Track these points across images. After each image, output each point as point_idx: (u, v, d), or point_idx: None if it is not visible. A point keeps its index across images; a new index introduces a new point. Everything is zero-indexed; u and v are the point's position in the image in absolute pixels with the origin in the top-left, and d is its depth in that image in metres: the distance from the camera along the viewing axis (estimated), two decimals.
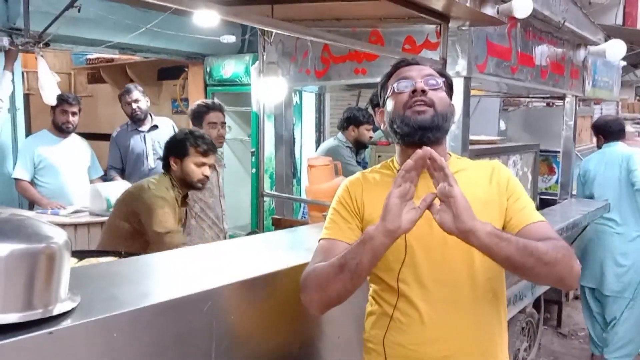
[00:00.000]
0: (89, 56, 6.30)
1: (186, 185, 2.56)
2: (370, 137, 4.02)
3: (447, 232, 1.16)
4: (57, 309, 1.14)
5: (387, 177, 1.44)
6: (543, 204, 3.73)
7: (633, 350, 3.82)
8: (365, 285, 1.49)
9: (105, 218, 3.44)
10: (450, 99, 1.44)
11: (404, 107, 1.36)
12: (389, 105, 1.42)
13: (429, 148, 1.15)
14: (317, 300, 1.31)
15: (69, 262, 1.20)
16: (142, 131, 4.26)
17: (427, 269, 1.32)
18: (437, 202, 1.18)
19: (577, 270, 1.27)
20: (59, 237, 1.17)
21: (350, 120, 3.98)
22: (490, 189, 1.38)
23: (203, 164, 2.53)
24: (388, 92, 1.43)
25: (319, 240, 1.42)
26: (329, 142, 4.16)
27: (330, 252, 1.33)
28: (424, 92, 1.35)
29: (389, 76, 1.47)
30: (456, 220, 1.13)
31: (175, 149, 2.54)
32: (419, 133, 1.34)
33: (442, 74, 1.46)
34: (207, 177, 2.56)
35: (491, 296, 1.37)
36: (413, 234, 1.27)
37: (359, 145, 4.01)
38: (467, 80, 2.48)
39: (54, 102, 3.59)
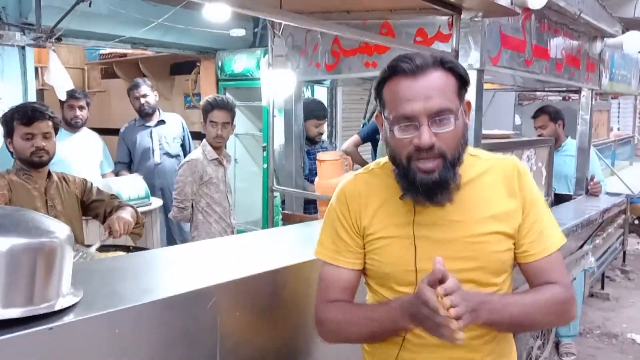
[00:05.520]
0: (102, 51, 6.32)
1: (26, 163, 2.28)
2: (320, 134, 3.76)
3: None
4: (59, 304, 1.13)
5: (387, 183, 1.28)
6: (557, 199, 3.67)
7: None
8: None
9: None
10: (463, 96, 1.21)
11: (408, 159, 1.16)
12: (388, 135, 1.20)
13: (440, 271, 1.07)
14: (338, 342, 1.32)
15: (71, 257, 1.19)
16: (149, 126, 4.27)
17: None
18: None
19: (571, 317, 1.26)
20: (61, 231, 1.16)
21: None
22: (510, 202, 1.24)
23: (31, 135, 2.24)
24: (385, 109, 1.20)
25: (319, 258, 1.33)
26: None
27: (336, 284, 1.29)
28: (431, 147, 1.13)
29: (383, 81, 1.21)
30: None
31: (5, 129, 2.29)
32: (425, 199, 1.18)
33: (452, 69, 1.18)
34: (40, 149, 2.25)
35: None
36: (422, 258, 1.22)
37: (307, 139, 3.71)
38: (480, 72, 2.43)
39: (64, 97, 3.60)
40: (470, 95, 2.40)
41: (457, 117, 1.15)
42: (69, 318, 1.12)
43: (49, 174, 2.39)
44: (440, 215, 1.23)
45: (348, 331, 1.25)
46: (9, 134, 2.28)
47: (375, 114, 1.31)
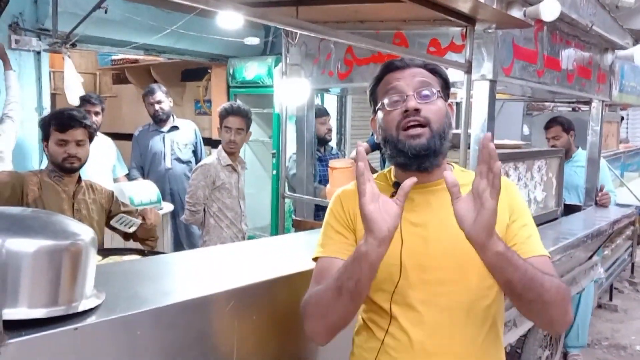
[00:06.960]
0: (114, 57, 6.38)
1: (58, 167, 2.36)
2: (329, 130, 3.95)
3: (459, 225, 1.08)
4: (82, 306, 1.15)
5: (381, 188, 1.29)
6: (567, 210, 3.66)
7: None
8: None
9: None
10: (447, 98, 1.33)
11: (397, 129, 1.26)
12: (380, 119, 1.32)
13: (488, 137, 1.04)
14: (321, 328, 1.23)
15: (95, 260, 1.22)
16: (162, 131, 4.31)
17: (421, 291, 1.24)
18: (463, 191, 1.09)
19: (569, 317, 1.21)
20: (86, 234, 1.19)
21: None
22: (498, 205, 1.26)
23: (64, 142, 2.31)
24: (378, 104, 1.33)
25: (314, 259, 1.33)
26: None
27: (328, 272, 1.23)
28: (417, 110, 1.24)
29: (377, 80, 1.35)
30: (475, 226, 1.06)
31: (43, 133, 2.38)
32: (415, 163, 1.25)
33: (435, 70, 1.34)
34: (72, 156, 2.32)
35: (489, 324, 1.27)
36: (407, 253, 1.22)
37: (319, 141, 3.90)
38: (493, 83, 2.44)
39: (77, 103, 3.64)
40: (483, 105, 2.45)
41: (441, 96, 1.29)
42: (91, 319, 1.14)
43: (79, 180, 2.46)
44: (430, 214, 1.27)
45: (323, 305, 1.19)
46: (45, 138, 2.37)
47: (371, 118, 1.39)
